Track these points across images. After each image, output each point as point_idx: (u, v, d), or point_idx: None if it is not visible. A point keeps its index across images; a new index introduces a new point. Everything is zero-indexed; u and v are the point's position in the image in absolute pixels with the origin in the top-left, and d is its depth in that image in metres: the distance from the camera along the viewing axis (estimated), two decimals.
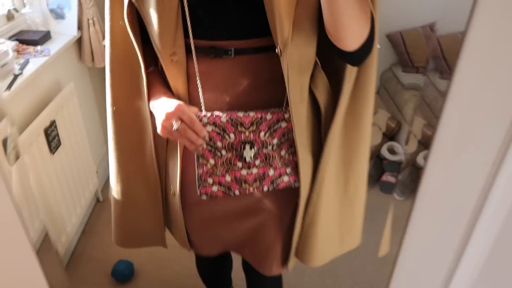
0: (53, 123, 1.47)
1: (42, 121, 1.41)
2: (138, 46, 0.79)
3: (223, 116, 0.78)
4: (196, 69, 0.78)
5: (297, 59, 0.74)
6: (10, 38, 1.54)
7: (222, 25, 0.76)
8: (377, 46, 0.76)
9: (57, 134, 1.51)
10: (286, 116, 0.79)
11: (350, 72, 0.79)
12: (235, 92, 0.80)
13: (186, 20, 0.74)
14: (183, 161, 0.85)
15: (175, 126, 0.75)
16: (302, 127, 0.80)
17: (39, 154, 1.39)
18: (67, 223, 1.62)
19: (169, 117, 0.76)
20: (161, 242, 1.02)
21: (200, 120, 0.78)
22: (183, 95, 0.80)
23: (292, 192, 0.87)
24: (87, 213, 1.94)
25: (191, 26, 0.75)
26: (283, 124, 0.80)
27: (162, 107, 0.77)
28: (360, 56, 0.74)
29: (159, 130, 0.78)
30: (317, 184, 0.87)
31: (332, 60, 0.81)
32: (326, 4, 0.66)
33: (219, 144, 0.80)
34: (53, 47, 1.56)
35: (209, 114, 0.78)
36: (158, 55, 0.77)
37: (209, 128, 0.78)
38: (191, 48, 0.76)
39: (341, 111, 0.82)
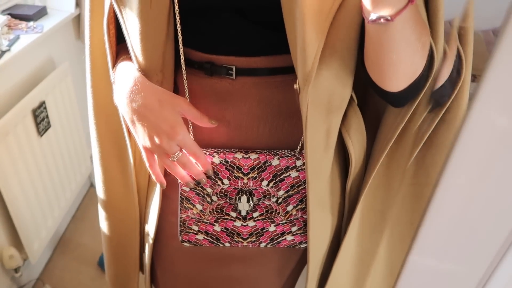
0: (42, 104, 1.40)
1: (30, 101, 1.34)
2: (112, 56, 0.64)
3: (215, 157, 0.61)
4: (186, 89, 0.62)
5: (325, 97, 0.54)
6: (2, 12, 1.47)
7: (221, 36, 0.58)
8: (467, 84, 0.54)
9: (47, 116, 1.44)
10: (299, 163, 0.62)
11: (397, 114, 0.59)
12: (234, 123, 0.62)
13: (177, 27, 0.57)
14: (166, 188, 0.68)
15: (173, 158, 0.58)
16: (321, 181, 0.62)
17: (25, 136, 1.33)
18: (55, 207, 1.56)
19: (163, 141, 0.56)
20: None
21: None
22: None
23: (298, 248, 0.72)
24: (78, 197, 1.89)
25: (184, 34, 0.58)
26: (294, 174, 0.62)
27: (146, 113, 0.57)
28: (405, 97, 0.55)
29: (143, 154, 0.61)
30: (344, 253, 0.69)
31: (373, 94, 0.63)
32: (372, 33, 0.47)
33: (209, 190, 0.64)
34: (47, 23, 1.48)
35: None
36: (138, 70, 0.60)
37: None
38: (181, 61, 0.60)
39: (378, 168, 0.62)
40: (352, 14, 0.49)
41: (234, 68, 0.58)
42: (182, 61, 0.60)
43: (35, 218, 1.43)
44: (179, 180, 0.63)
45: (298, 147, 0.63)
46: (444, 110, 0.56)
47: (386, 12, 0.42)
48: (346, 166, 0.67)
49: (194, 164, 0.60)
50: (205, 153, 0.62)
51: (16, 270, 1.38)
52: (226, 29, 0.57)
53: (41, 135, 1.42)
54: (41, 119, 1.41)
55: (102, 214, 0.82)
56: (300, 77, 0.52)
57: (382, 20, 0.43)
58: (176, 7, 0.55)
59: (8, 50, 1.26)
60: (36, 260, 1.45)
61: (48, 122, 1.46)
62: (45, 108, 1.42)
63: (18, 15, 1.45)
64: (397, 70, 0.50)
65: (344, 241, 0.68)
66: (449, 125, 0.57)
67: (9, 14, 1.45)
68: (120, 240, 0.83)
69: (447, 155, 0.57)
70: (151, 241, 0.75)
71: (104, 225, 0.83)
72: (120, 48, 0.66)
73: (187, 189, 0.66)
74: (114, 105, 0.64)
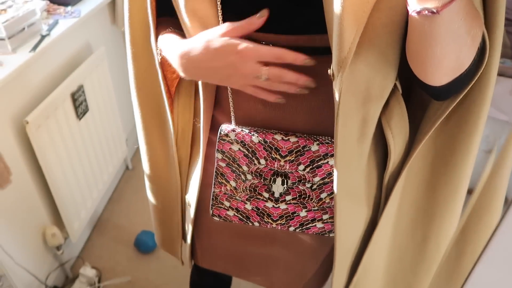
0: (80, 88, 1.43)
1: (69, 85, 1.37)
2: (153, 18, 0.64)
3: (254, 136, 0.60)
4: None
5: (362, 85, 0.51)
6: None
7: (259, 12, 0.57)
8: (497, 66, 0.50)
9: (85, 100, 1.48)
10: None
11: (439, 106, 0.56)
12: (270, 108, 0.61)
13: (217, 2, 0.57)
14: (205, 161, 0.69)
15: (264, 76, 0.53)
16: (353, 171, 0.60)
17: (65, 119, 1.37)
18: (93, 189, 1.61)
19: (243, 69, 0.53)
20: (175, 252, 0.93)
21: (226, 135, 0.61)
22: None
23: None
24: (114, 180, 1.94)
25: (226, 10, 0.57)
26: (332, 162, 0.61)
27: (219, 47, 0.53)
28: (447, 91, 0.51)
29: (237, 83, 0.56)
30: (375, 246, 0.67)
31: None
32: (415, 24, 0.42)
33: (245, 168, 0.64)
34: (84, 8, 1.51)
35: (238, 129, 0.60)
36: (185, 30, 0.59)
37: (235, 147, 0.61)
38: None
39: (415, 161, 0.60)
40: None
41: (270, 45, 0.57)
42: None
43: (75, 199, 1.47)
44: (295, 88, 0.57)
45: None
46: (461, 96, 0.52)
47: (432, 3, 0.38)
48: (386, 157, 0.64)
49: (287, 71, 0.55)
50: (246, 131, 0.61)
51: (58, 248, 1.43)
52: (267, 6, 0.55)
53: (80, 119, 1.46)
54: (79, 102, 1.44)
55: (147, 184, 0.86)
56: (334, 62, 0.49)
57: (427, 12, 0.39)
58: None
59: (48, 34, 1.29)
60: (76, 239, 1.51)
61: (86, 106, 1.49)
62: (83, 92, 1.45)
63: (57, 0, 1.48)
64: (440, 65, 0.45)
65: (375, 233, 0.66)
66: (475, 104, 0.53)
67: None
68: (164, 208, 0.86)
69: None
70: (192, 212, 0.77)
71: (149, 194, 0.87)
72: (159, 22, 0.66)
73: (223, 164, 0.65)
74: (154, 77, 0.64)
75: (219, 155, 0.65)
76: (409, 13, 0.41)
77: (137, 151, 2.13)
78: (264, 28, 0.57)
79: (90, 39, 1.62)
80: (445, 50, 0.43)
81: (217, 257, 0.84)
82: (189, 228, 0.82)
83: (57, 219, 1.44)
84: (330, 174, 0.63)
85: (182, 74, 0.61)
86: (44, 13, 1.40)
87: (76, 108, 1.42)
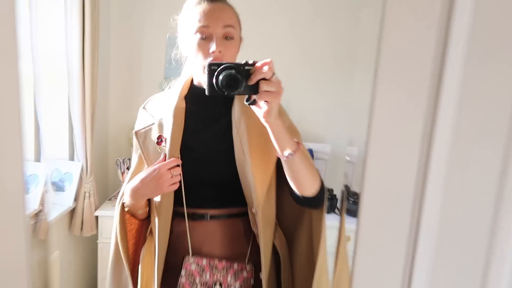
0: None
1: None
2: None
3: (204, 260, 1.03)
4: (187, 227, 1.04)
5: (265, 217, 0.98)
6: None
7: (202, 198, 1.02)
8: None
9: None
10: (248, 267, 1.03)
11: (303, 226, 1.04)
12: (210, 244, 1.05)
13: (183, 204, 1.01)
14: None
15: (173, 173, 0.96)
16: (270, 276, 1.01)
17: None
18: None
19: (165, 173, 0.96)
20: None
21: (188, 259, 1.02)
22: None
23: None
24: None
25: (178, 200, 1.01)
26: (245, 274, 1.03)
27: (149, 176, 0.96)
28: (316, 200, 0.96)
29: (170, 188, 0.96)
30: None
31: (287, 219, 1.08)
32: (288, 164, 0.90)
33: (197, 279, 1.02)
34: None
35: (194, 258, 1.03)
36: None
37: (193, 266, 1.01)
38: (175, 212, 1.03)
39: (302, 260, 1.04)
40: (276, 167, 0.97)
41: (208, 215, 1.02)
42: (185, 213, 1.01)
43: None
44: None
45: (246, 257, 1.03)
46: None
47: (289, 150, 0.85)
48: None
49: (169, 171, 0.96)
50: (199, 257, 1.02)
51: None
52: (204, 194, 1.01)
53: None
54: None
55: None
56: (255, 206, 0.95)
57: (289, 156, 0.85)
58: (183, 185, 0.99)
59: None
60: None
61: None
62: None
63: None
64: (306, 183, 0.91)
65: None
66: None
67: None
68: None
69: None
70: None
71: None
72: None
73: (184, 280, 1.00)
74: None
75: (183, 272, 1.00)
76: (283, 160, 0.87)
77: None
78: (204, 207, 1.01)
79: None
80: (305, 175, 0.90)
81: None
82: None
83: None
84: (245, 281, 1.02)
85: (129, 199, 1.00)
86: None
87: None
